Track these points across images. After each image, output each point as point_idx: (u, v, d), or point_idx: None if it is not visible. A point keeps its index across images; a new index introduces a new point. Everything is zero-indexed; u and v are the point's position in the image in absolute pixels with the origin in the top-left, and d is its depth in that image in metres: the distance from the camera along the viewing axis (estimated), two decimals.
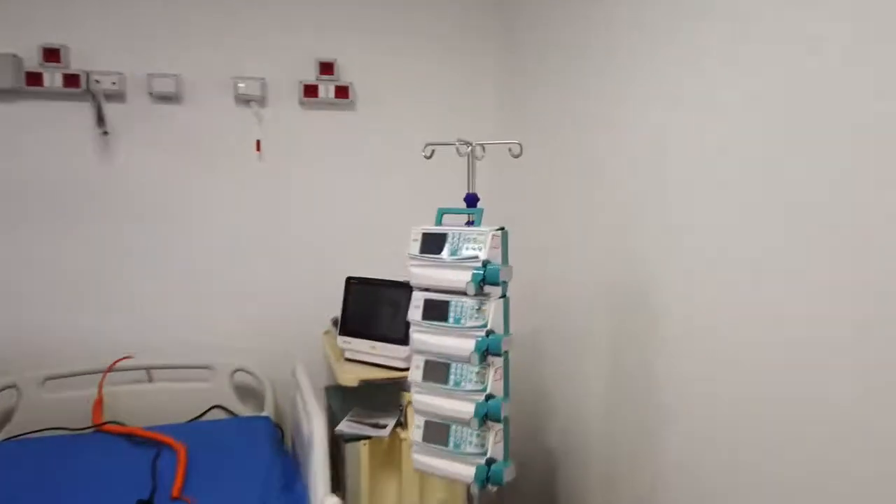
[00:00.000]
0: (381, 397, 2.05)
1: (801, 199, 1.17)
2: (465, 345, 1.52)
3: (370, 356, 2.05)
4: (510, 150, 1.70)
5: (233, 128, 2.38)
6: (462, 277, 1.52)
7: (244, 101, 2.36)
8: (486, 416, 1.50)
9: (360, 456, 1.92)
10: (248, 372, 2.38)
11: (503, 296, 1.56)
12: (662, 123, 1.56)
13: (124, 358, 2.27)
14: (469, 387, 1.53)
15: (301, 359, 2.31)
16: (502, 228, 1.56)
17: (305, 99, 2.40)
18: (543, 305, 2.20)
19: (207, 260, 2.38)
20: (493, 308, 1.52)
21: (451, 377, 1.56)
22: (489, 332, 1.51)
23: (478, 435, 1.52)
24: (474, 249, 1.53)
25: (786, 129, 1.20)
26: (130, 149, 2.30)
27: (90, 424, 2.15)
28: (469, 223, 1.65)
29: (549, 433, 2.17)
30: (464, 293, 1.52)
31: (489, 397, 1.51)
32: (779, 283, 1.22)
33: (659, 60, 1.57)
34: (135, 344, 2.32)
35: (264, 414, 2.33)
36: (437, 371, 1.58)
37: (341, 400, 2.18)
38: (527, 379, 2.25)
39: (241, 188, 2.39)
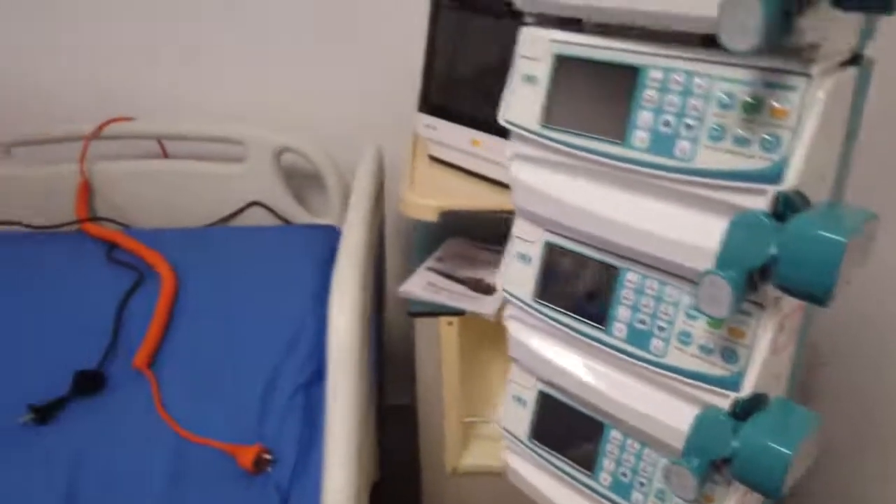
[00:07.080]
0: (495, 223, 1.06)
1: None
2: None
3: (471, 159, 1.09)
4: None
5: None
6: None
7: None
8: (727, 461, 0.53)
9: (439, 341, 1.05)
10: (297, 152, 1.48)
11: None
12: None
13: (119, 119, 1.50)
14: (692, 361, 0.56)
15: (386, 140, 1.42)
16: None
17: None
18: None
19: None
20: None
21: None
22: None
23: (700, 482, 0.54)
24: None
25: None
26: None
27: (70, 220, 1.46)
28: None
29: None
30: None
31: (752, 405, 0.54)
32: None
33: None
34: (142, 106, 1.52)
35: (325, 222, 1.53)
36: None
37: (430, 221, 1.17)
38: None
39: None
